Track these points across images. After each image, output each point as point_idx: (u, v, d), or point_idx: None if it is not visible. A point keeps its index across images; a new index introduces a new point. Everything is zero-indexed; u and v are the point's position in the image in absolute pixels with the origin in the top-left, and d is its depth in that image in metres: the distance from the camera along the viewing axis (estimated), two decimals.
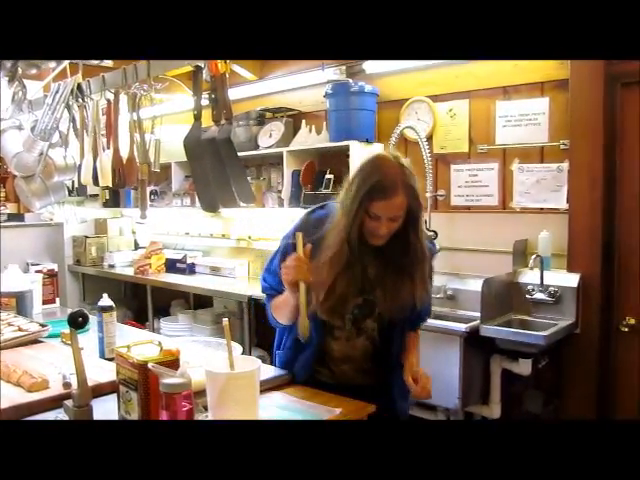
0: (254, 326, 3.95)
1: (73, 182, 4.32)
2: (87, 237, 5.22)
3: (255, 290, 3.87)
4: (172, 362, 1.43)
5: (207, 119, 2.13)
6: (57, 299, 3.34)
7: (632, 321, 2.90)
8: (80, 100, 2.55)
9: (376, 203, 1.69)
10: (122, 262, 5.13)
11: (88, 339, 2.24)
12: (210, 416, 1.54)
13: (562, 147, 3.03)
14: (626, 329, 2.91)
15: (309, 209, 2.01)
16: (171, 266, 4.81)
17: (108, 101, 2.54)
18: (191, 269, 4.74)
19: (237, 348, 1.85)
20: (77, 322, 1.46)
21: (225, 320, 1.58)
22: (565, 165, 3.01)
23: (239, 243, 4.70)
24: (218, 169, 2.01)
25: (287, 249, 1.82)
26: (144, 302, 4.72)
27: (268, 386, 1.87)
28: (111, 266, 5.11)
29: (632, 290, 2.91)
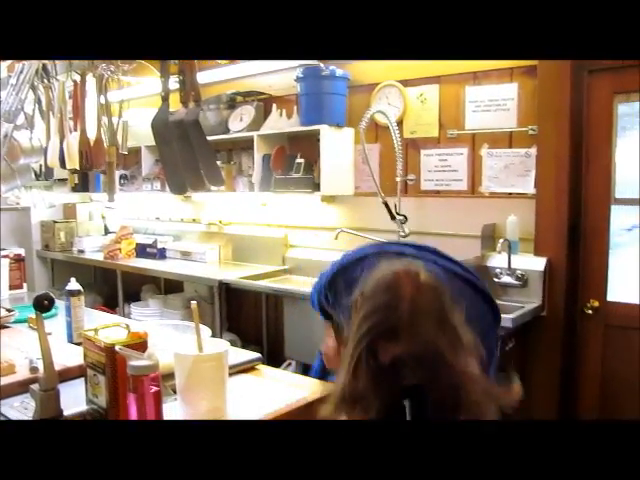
0: (225, 310, 3.95)
1: (40, 166, 4.26)
2: (56, 222, 5.16)
3: (226, 275, 3.86)
4: (140, 345, 1.43)
5: (176, 103, 2.11)
6: (24, 284, 3.30)
7: (596, 304, 2.96)
8: (45, 81, 2.50)
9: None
10: (92, 247, 5.08)
11: (56, 324, 2.23)
12: (179, 399, 1.54)
13: (530, 132, 3.06)
14: (590, 311, 2.97)
15: (344, 261, 1.47)
16: (141, 251, 4.77)
17: (75, 82, 2.50)
18: (162, 254, 4.70)
19: (206, 331, 1.85)
20: (43, 305, 1.44)
21: (193, 303, 1.58)
22: (533, 150, 3.05)
23: (210, 228, 4.68)
24: (186, 151, 1.99)
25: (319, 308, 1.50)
26: (114, 287, 4.68)
27: (238, 369, 1.88)
28: (80, 251, 5.05)
29: (596, 274, 2.97)
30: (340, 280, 1.42)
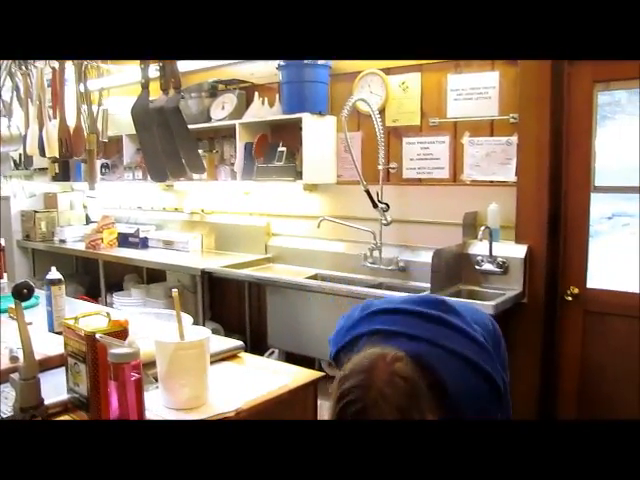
0: (208, 299, 3.95)
1: (20, 155, 4.22)
2: (36, 212, 5.11)
3: (208, 263, 3.86)
4: (120, 332, 1.43)
5: (157, 91, 2.10)
6: (5, 274, 3.25)
7: (576, 290, 2.99)
8: (24, 68, 2.48)
9: None
10: (73, 237, 5.04)
11: (37, 314, 2.22)
12: (160, 387, 1.54)
13: (511, 121, 3.08)
14: (570, 298, 3.00)
15: (343, 340, 1.55)
16: (123, 240, 4.75)
17: (53, 69, 2.47)
18: (144, 243, 4.68)
19: (187, 319, 1.84)
20: (22, 294, 1.44)
21: (174, 291, 1.58)
22: (514, 138, 3.07)
23: (192, 217, 4.66)
24: (167, 139, 1.98)
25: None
26: (96, 277, 4.66)
27: (220, 357, 1.88)
28: (62, 241, 5.01)
29: (576, 261, 3.00)
30: (342, 355, 1.48)
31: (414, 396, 1.24)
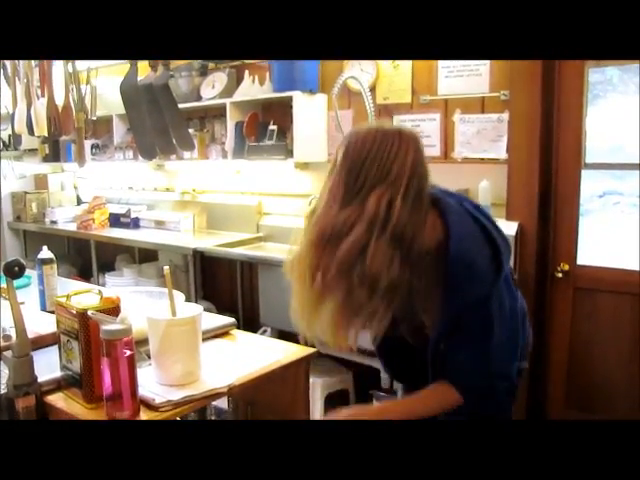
0: (200, 279, 3.95)
1: (9, 136, 4.19)
2: (27, 193, 5.09)
3: (200, 243, 3.86)
4: (112, 309, 1.43)
5: (146, 69, 2.09)
6: None
7: (566, 267, 3.01)
8: None
9: None
10: (64, 218, 5.02)
11: (30, 294, 2.22)
12: (153, 363, 1.55)
13: (502, 98, 3.07)
14: (560, 275, 3.02)
15: None
16: (115, 221, 4.74)
17: None
18: (135, 223, 4.67)
19: (179, 296, 1.85)
20: (13, 271, 1.44)
21: (166, 268, 1.59)
22: (505, 116, 3.07)
23: (183, 196, 4.66)
24: (156, 116, 1.98)
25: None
26: (88, 258, 4.66)
27: (212, 334, 1.89)
28: (53, 222, 4.99)
29: (566, 238, 3.02)
30: None
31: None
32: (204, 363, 1.59)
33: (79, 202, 5.37)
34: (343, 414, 1.57)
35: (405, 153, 1.38)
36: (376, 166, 1.37)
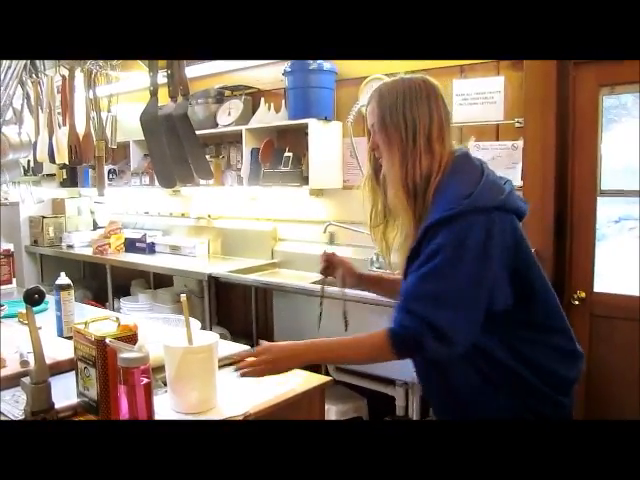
0: (215, 304, 3.96)
1: (29, 161, 4.24)
2: (44, 217, 5.14)
3: (215, 268, 3.87)
4: (130, 337, 1.44)
5: (165, 97, 2.12)
6: (14, 280, 3.29)
7: (583, 294, 2.99)
8: (34, 76, 2.51)
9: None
10: (81, 242, 5.07)
11: (46, 319, 2.23)
12: (169, 390, 1.56)
13: (517, 125, 3.09)
14: (577, 302, 3.00)
15: None
16: (130, 245, 4.77)
17: (63, 77, 2.50)
18: (151, 248, 4.70)
19: (195, 324, 1.86)
20: (33, 299, 1.45)
21: (183, 296, 1.60)
22: (520, 143, 3.07)
23: (199, 222, 4.68)
24: (175, 145, 2.00)
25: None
26: (104, 282, 4.68)
27: (227, 362, 1.89)
28: (69, 246, 5.04)
29: (583, 265, 3.00)
30: None
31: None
32: (220, 391, 1.60)
33: (95, 227, 5.42)
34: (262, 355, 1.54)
35: (436, 95, 1.57)
36: (415, 110, 1.53)
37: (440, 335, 1.41)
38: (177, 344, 1.53)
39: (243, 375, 1.51)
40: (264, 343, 1.56)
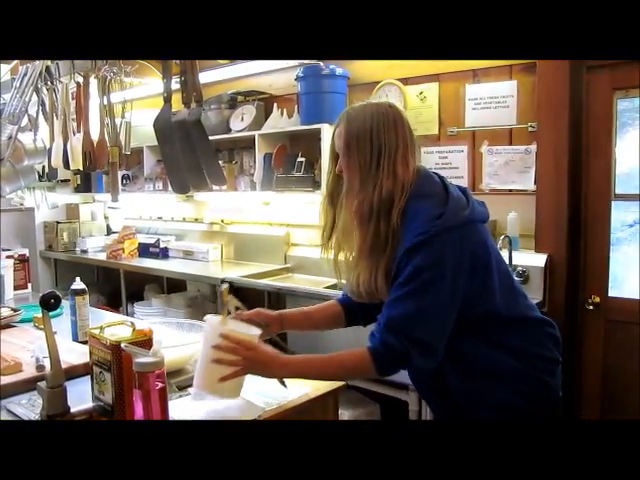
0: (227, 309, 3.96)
1: (43, 167, 4.29)
2: (59, 222, 5.18)
3: (228, 273, 3.88)
4: (145, 342, 1.45)
5: (178, 103, 2.14)
6: (29, 284, 3.32)
7: (597, 299, 2.97)
8: (49, 83, 2.53)
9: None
10: (94, 247, 5.10)
11: (61, 323, 2.25)
12: (199, 371, 1.56)
13: (530, 129, 3.08)
14: (591, 307, 2.99)
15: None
16: (144, 250, 4.80)
17: (78, 84, 2.52)
18: (164, 253, 4.72)
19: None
20: (49, 304, 1.47)
21: (224, 285, 1.67)
22: (533, 147, 3.06)
23: (212, 227, 4.70)
24: (188, 151, 2.02)
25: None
26: (117, 287, 4.70)
27: None
28: (83, 251, 5.07)
29: (597, 269, 2.99)
30: None
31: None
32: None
33: (109, 232, 5.45)
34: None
35: (402, 121, 1.62)
36: (382, 136, 1.57)
37: (425, 350, 1.49)
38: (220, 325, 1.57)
39: (222, 379, 1.51)
40: (255, 340, 1.57)
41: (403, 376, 1.79)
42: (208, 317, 1.61)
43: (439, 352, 1.52)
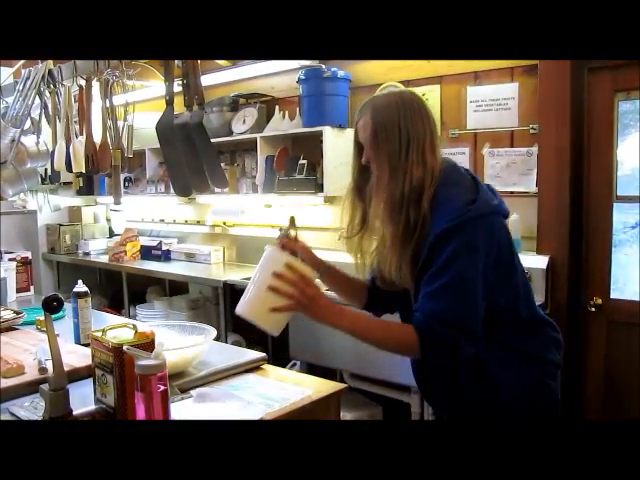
0: (230, 311, 3.97)
1: (46, 170, 4.30)
2: (61, 225, 5.20)
3: (230, 275, 3.89)
4: (147, 344, 1.45)
5: (180, 105, 2.14)
6: (31, 287, 3.33)
7: (599, 301, 2.97)
8: (52, 86, 2.54)
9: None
10: (97, 250, 5.12)
11: (63, 326, 2.25)
12: (247, 294, 1.60)
13: (531, 131, 3.08)
14: (593, 309, 2.98)
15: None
16: (146, 253, 4.81)
17: (80, 87, 2.53)
18: (166, 256, 4.73)
19: (212, 332, 1.88)
20: (51, 306, 1.47)
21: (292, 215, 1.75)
22: (534, 149, 3.07)
23: (214, 229, 4.71)
24: (191, 154, 2.02)
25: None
26: (119, 289, 4.71)
27: (243, 368, 1.91)
28: (86, 254, 5.09)
29: (599, 271, 2.99)
30: None
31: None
32: (235, 397, 1.60)
33: (111, 234, 5.47)
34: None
35: (425, 109, 1.61)
36: (409, 124, 1.56)
37: (472, 337, 1.49)
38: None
39: (273, 309, 1.55)
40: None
41: (405, 378, 1.79)
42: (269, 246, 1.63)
43: (480, 337, 1.52)
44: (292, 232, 1.75)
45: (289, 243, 1.73)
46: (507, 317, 1.60)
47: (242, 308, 1.59)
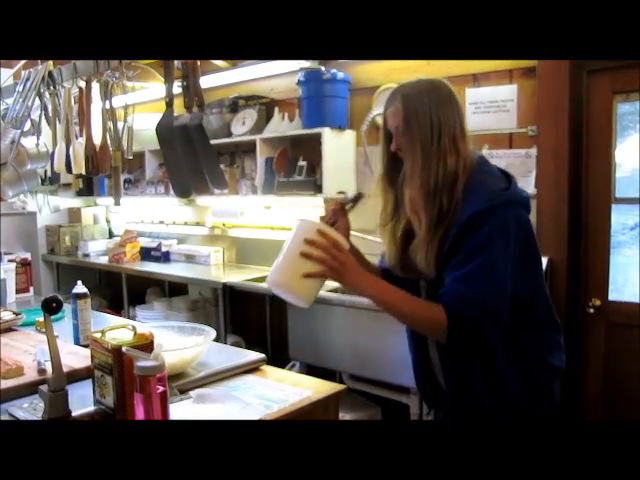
0: (229, 313, 3.97)
1: (46, 171, 4.30)
2: (61, 226, 5.20)
3: (230, 277, 3.89)
4: (146, 345, 1.46)
5: (180, 107, 2.15)
6: (31, 288, 3.33)
7: (598, 302, 2.97)
8: (51, 88, 2.54)
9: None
10: (96, 251, 5.12)
11: (63, 327, 2.25)
12: (277, 265, 1.63)
13: (530, 133, 3.08)
14: (592, 310, 2.99)
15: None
16: (146, 254, 4.81)
17: (80, 89, 2.53)
18: (166, 257, 4.74)
19: (211, 333, 1.88)
20: (51, 307, 1.47)
21: (360, 192, 1.79)
22: (533, 151, 3.07)
23: (213, 231, 4.71)
24: (190, 155, 2.03)
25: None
26: (119, 290, 4.72)
27: (243, 369, 1.91)
28: (85, 255, 5.09)
29: (598, 272, 2.99)
30: None
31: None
32: (234, 398, 1.61)
33: (111, 235, 5.47)
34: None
35: (454, 97, 1.61)
36: (440, 112, 1.56)
37: (499, 322, 1.50)
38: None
39: (305, 275, 1.56)
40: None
41: (404, 379, 1.79)
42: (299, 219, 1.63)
43: (506, 324, 1.52)
44: (349, 206, 1.76)
45: (339, 212, 1.75)
46: (525, 316, 1.60)
47: (271, 277, 1.59)
